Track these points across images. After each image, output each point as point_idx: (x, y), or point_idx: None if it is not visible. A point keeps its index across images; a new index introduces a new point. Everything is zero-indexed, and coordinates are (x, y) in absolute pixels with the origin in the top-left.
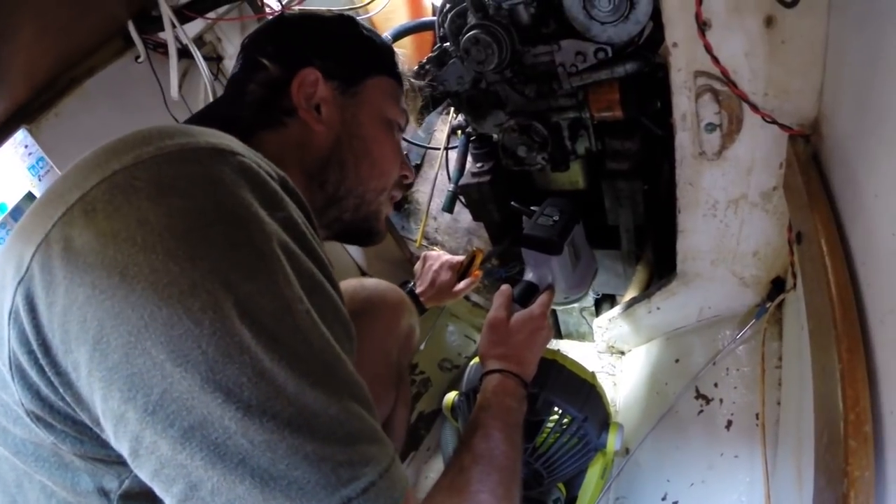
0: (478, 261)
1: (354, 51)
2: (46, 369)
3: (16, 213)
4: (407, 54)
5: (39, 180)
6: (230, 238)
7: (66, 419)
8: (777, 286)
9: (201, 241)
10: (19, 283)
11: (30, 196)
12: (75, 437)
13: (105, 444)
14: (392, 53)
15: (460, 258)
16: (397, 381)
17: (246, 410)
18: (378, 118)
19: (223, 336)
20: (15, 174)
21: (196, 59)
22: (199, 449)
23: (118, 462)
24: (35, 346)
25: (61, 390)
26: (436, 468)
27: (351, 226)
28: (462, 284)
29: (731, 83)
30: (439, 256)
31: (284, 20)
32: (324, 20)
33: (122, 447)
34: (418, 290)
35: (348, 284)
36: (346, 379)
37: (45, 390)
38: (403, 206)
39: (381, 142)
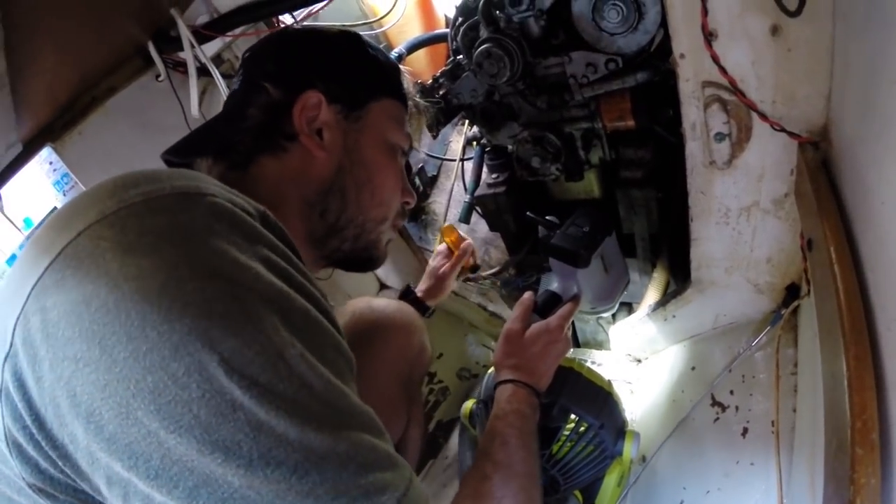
0: (452, 238)
1: (359, 72)
2: (43, 444)
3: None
4: (416, 69)
5: (64, 195)
6: (206, 293)
7: (66, 489)
8: (792, 293)
9: (176, 300)
10: (5, 359)
11: (55, 210)
12: None
13: None
14: (397, 73)
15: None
16: (409, 401)
17: (248, 466)
18: (381, 144)
19: (213, 397)
20: (41, 190)
21: (215, 77)
22: None
23: None
24: (29, 422)
25: (60, 463)
26: (454, 476)
27: (351, 255)
28: (445, 267)
29: (739, 92)
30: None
31: (287, 36)
32: (328, 38)
33: None
34: (418, 289)
35: (356, 306)
36: (352, 412)
37: (44, 463)
38: (420, 217)
39: (384, 169)
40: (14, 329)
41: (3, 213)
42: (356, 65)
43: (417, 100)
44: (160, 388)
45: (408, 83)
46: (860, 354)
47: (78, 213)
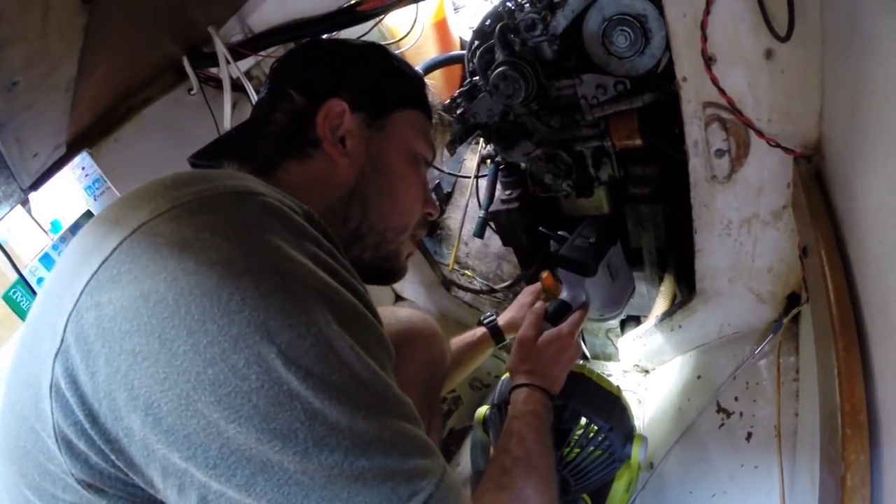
0: (549, 283)
1: (383, 82)
2: (95, 438)
3: (75, 229)
4: (437, 86)
5: (95, 200)
6: (263, 287)
7: (117, 483)
8: (792, 301)
9: (234, 294)
10: (56, 355)
11: (89, 214)
12: (127, 500)
13: (158, 502)
14: (422, 85)
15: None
16: (429, 409)
17: (304, 453)
18: (404, 153)
19: (271, 387)
20: (72, 194)
21: (248, 92)
22: (263, 492)
23: None
24: (81, 416)
25: (112, 457)
26: (465, 483)
27: (371, 265)
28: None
29: (737, 111)
30: (526, 290)
31: (313, 46)
32: (354, 48)
33: (190, 497)
34: (500, 320)
35: (381, 314)
36: (396, 401)
37: (95, 458)
38: (436, 231)
39: (406, 178)
40: (66, 325)
41: (31, 215)
42: (380, 75)
43: (443, 114)
44: (220, 379)
45: (432, 96)
46: (848, 345)
47: (129, 212)
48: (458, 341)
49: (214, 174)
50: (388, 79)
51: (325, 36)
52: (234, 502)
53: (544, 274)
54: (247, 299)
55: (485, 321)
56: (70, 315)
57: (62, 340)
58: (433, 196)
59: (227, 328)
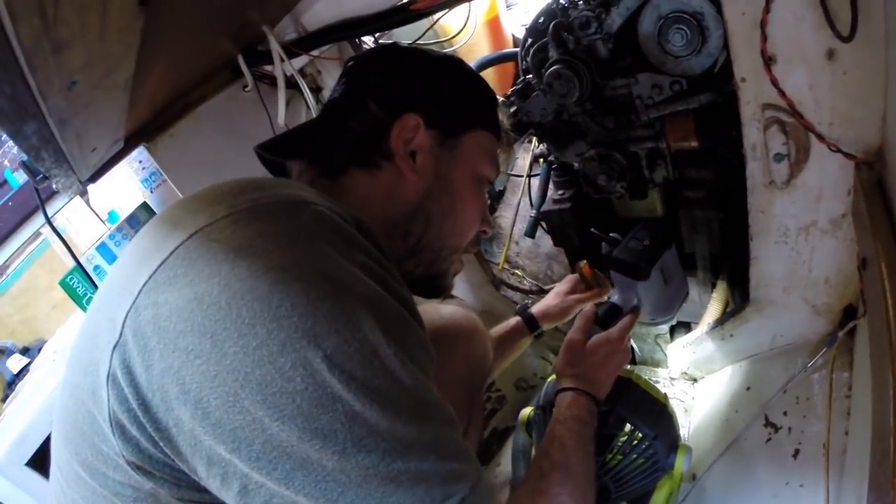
0: (587, 272)
1: (459, 100)
2: (147, 426)
3: (132, 220)
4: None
5: (151, 192)
6: (312, 294)
7: (164, 467)
8: (848, 314)
9: (284, 300)
10: (115, 348)
11: (145, 206)
12: (173, 483)
13: (201, 489)
14: (495, 105)
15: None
16: (470, 406)
17: (342, 453)
18: (471, 175)
19: (315, 390)
20: (129, 186)
21: (303, 91)
22: (301, 486)
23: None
24: (135, 405)
25: (161, 444)
26: (505, 483)
27: (422, 280)
28: (576, 296)
29: (798, 114)
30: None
31: (394, 54)
32: (434, 61)
33: (232, 486)
34: (535, 309)
35: (425, 310)
36: (436, 406)
37: (145, 443)
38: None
39: (469, 200)
40: (125, 321)
41: (89, 205)
42: (457, 92)
43: (509, 132)
44: (267, 380)
45: (502, 115)
46: None
47: (188, 216)
48: (492, 332)
49: (268, 182)
50: (464, 98)
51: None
52: (274, 493)
53: (582, 263)
54: (296, 305)
55: (519, 310)
56: (129, 311)
57: (121, 334)
58: (489, 214)
59: (276, 332)
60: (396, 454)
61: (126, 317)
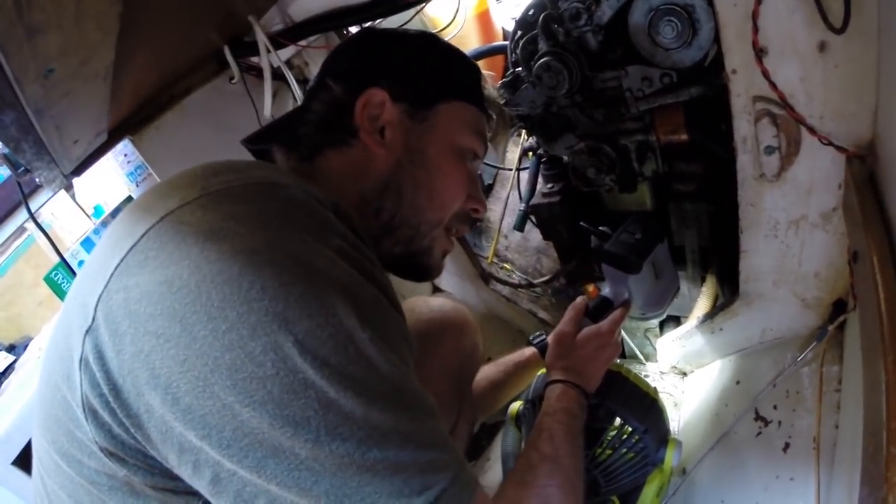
0: (593, 294)
1: (430, 73)
2: (118, 411)
3: (116, 213)
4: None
5: (137, 186)
6: (283, 277)
7: (137, 453)
8: (838, 308)
9: (255, 283)
10: (87, 332)
11: (130, 199)
12: (146, 470)
13: (174, 476)
14: (476, 77)
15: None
16: (459, 398)
17: (315, 440)
18: (447, 146)
19: (286, 375)
20: (114, 180)
21: (289, 81)
22: (274, 475)
23: (187, 492)
24: (106, 390)
25: (132, 430)
26: (495, 478)
27: (403, 259)
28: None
29: (789, 107)
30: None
31: (364, 35)
32: (401, 37)
33: (204, 474)
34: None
35: (415, 303)
36: (415, 395)
37: (117, 429)
38: (476, 224)
39: (446, 172)
40: (97, 305)
41: (74, 200)
42: (427, 65)
43: (504, 109)
44: (237, 364)
45: (491, 90)
46: None
47: (160, 199)
48: (506, 361)
49: (243, 165)
50: (436, 69)
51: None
52: (246, 482)
53: (590, 287)
54: (267, 289)
55: (534, 341)
56: (101, 296)
57: (93, 319)
58: (481, 193)
59: (246, 316)
60: (372, 442)
61: (98, 301)
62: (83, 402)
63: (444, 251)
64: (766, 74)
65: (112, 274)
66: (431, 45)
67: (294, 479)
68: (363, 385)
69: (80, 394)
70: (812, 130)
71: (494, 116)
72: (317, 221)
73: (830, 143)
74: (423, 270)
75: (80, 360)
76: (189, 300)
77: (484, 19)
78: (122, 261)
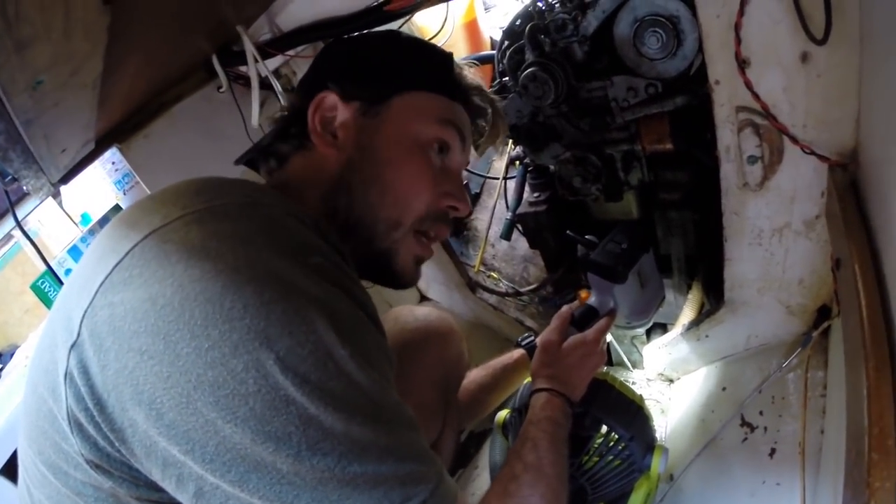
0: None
1: (383, 68)
2: (102, 426)
3: (104, 222)
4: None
5: (124, 194)
6: (264, 296)
7: (122, 466)
8: (823, 314)
9: (236, 301)
10: (72, 347)
11: (118, 208)
12: (131, 482)
13: (159, 488)
14: (442, 65)
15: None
16: (445, 407)
17: (296, 456)
18: (402, 139)
19: (268, 392)
20: (102, 189)
21: (276, 91)
22: (256, 489)
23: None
24: (91, 405)
25: (117, 444)
26: (483, 486)
27: (367, 263)
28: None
29: (772, 117)
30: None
31: (327, 44)
32: (359, 39)
33: (188, 488)
34: (538, 340)
35: (399, 312)
36: (394, 408)
37: (102, 443)
38: (463, 232)
39: (398, 165)
40: (82, 321)
41: (62, 208)
42: (381, 61)
43: (494, 98)
44: (220, 382)
45: (470, 77)
46: (880, 365)
47: (145, 217)
48: (494, 364)
49: (226, 183)
50: (391, 63)
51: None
52: (229, 495)
53: (583, 294)
54: (248, 307)
55: (522, 342)
56: (86, 311)
57: (78, 334)
58: (461, 189)
59: (228, 334)
60: (353, 457)
61: (83, 317)
62: (69, 415)
63: (417, 256)
64: (748, 85)
65: (97, 290)
66: (388, 41)
67: (276, 493)
68: (343, 401)
69: (65, 407)
70: (795, 140)
71: (480, 105)
72: (297, 240)
73: (813, 152)
74: (390, 275)
75: (66, 375)
76: (172, 318)
77: (472, 28)
78: (106, 277)
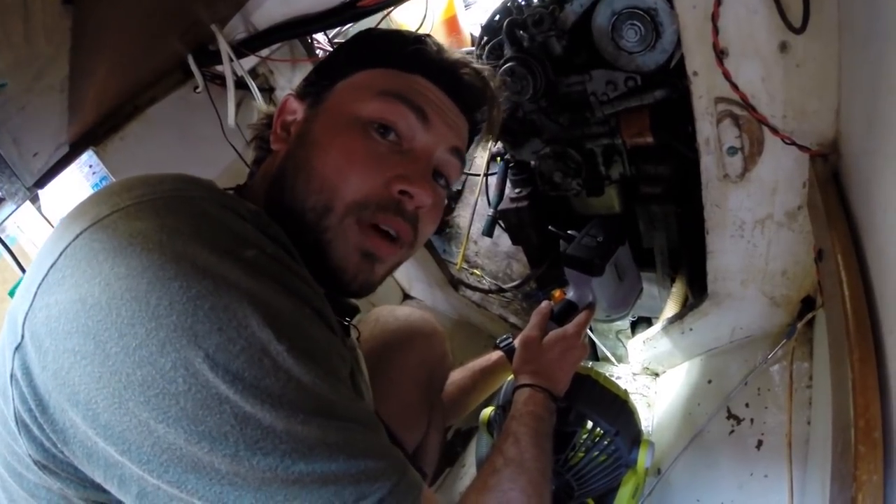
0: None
1: (332, 59)
2: (45, 427)
3: None
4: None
5: None
6: (192, 291)
7: (68, 467)
8: (807, 305)
9: (163, 298)
10: (16, 349)
11: None
12: (78, 484)
13: (105, 490)
14: (395, 40)
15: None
16: (430, 407)
17: (234, 455)
18: (339, 120)
19: (199, 391)
20: (79, 192)
21: (252, 90)
22: (195, 490)
23: None
24: (34, 406)
25: (59, 445)
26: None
27: (310, 262)
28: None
29: (751, 107)
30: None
31: None
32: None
33: (130, 490)
34: (517, 342)
35: (380, 313)
36: (343, 404)
37: (47, 444)
38: (445, 230)
39: (328, 147)
40: (24, 322)
41: (41, 212)
42: (331, 56)
43: (482, 67)
44: (149, 381)
45: (448, 55)
46: (864, 357)
47: (79, 216)
48: (473, 366)
49: (159, 178)
50: (339, 53)
51: (329, 34)
52: (171, 496)
53: (557, 292)
54: (175, 304)
55: (501, 344)
56: (27, 313)
57: (21, 336)
58: (418, 173)
59: (155, 332)
60: (298, 455)
61: (25, 318)
62: (16, 416)
63: (362, 249)
64: (727, 75)
65: (36, 291)
66: (352, 37)
67: (216, 494)
68: (282, 398)
69: (13, 408)
70: (774, 130)
71: (467, 81)
72: (230, 233)
73: (793, 143)
74: (331, 273)
75: (11, 376)
76: (101, 317)
77: (451, 24)
78: (43, 279)
